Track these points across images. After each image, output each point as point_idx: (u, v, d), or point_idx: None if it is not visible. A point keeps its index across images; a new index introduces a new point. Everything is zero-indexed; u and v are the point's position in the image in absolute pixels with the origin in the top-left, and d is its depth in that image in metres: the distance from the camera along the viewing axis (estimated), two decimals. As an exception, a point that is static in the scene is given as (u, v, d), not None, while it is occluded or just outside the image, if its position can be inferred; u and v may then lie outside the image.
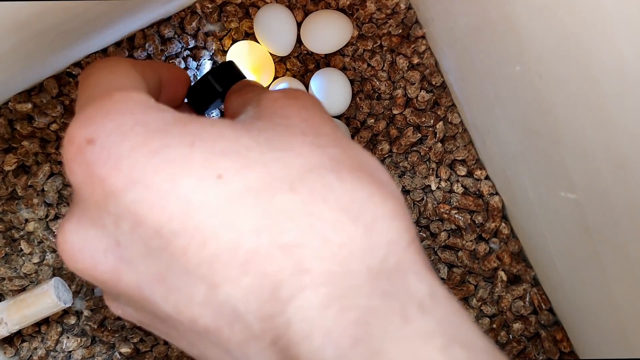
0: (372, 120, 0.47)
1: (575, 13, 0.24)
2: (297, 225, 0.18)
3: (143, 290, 0.19)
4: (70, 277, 0.47)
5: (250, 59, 0.45)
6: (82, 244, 0.20)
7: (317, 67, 0.47)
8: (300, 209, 0.18)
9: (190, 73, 0.46)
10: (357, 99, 0.47)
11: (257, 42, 0.46)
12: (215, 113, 0.46)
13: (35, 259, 0.47)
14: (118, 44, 0.46)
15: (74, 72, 0.46)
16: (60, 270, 0.47)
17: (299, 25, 0.46)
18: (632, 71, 0.22)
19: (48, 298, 0.43)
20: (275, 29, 0.45)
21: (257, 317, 0.17)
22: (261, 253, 0.17)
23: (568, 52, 0.26)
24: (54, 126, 0.46)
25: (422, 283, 0.18)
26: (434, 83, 0.46)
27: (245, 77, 0.31)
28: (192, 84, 0.29)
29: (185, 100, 0.29)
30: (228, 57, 0.46)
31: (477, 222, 0.45)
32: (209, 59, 0.47)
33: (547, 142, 0.32)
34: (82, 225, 0.20)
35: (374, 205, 0.19)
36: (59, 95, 0.46)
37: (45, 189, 0.47)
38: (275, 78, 0.47)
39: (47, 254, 0.47)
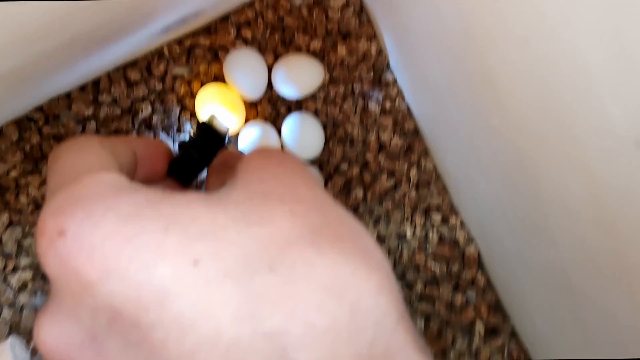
0: (346, 166, 0.46)
1: (558, 71, 0.23)
2: (278, 309, 0.17)
3: None
4: (29, 335, 0.44)
5: (220, 103, 0.44)
6: (58, 339, 0.19)
7: (289, 111, 0.46)
8: (281, 291, 0.17)
9: (157, 117, 0.45)
10: (330, 143, 0.46)
11: (227, 85, 0.45)
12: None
13: (-9, 314, 0.45)
14: (82, 88, 0.44)
15: (35, 117, 0.44)
16: (18, 327, 0.45)
17: (269, 69, 0.45)
18: (620, 130, 0.21)
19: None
20: (246, 73, 0.44)
21: None
22: (243, 343, 0.16)
23: (550, 109, 0.25)
24: (13, 173, 0.44)
25: None
26: (406, 128, 0.45)
27: (225, 136, 0.30)
28: (174, 157, 0.28)
29: (169, 173, 0.28)
30: (198, 101, 0.45)
31: (453, 271, 0.45)
32: (177, 103, 0.45)
33: (527, 196, 0.31)
34: (57, 319, 0.19)
35: (359, 280, 0.18)
36: (19, 141, 0.44)
37: (4, 240, 0.45)
38: (245, 122, 0.46)
39: (4, 309, 0.45)
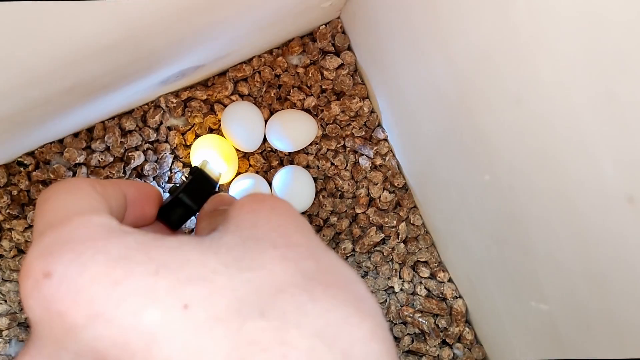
0: (335, 219, 0.46)
1: (551, 129, 0.25)
2: (270, 356, 0.16)
3: None
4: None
5: (215, 151, 0.45)
6: None
7: (281, 164, 0.47)
8: (272, 337, 0.17)
9: (149, 166, 0.45)
10: (320, 196, 0.47)
11: (222, 136, 0.46)
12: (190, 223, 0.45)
13: (-39, 362, 0.43)
14: (76, 135, 0.45)
15: (25, 162, 0.44)
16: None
17: (264, 122, 0.46)
18: (612, 186, 0.22)
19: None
20: (244, 125, 0.45)
21: None
22: None
23: (542, 166, 0.26)
24: (-3, 217, 0.44)
25: None
26: (396, 184, 0.46)
27: (217, 183, 0.30)
28: (164, 202, 0.28)
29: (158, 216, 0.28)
30: (193, 150, 0.45)
31: (440, 326, 0.45)
32: (170, 153, 0.46)
33: (517, 252, 0.32)
34: None
35: (351, 327, 0.18)
36: (6, 185, 0.44)
37: (-19, 285, 0.43)
38: (238, 174, 0.47)
39: (-24, 356, 0.43)
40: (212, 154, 0.44)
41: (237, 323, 0.17)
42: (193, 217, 0.30)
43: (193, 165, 0.33)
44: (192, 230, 0.45)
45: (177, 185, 0.30)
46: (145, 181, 0.46)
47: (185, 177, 0.30)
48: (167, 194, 0.35)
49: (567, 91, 0.23)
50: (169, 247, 0.19)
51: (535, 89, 0.24)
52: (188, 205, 0.28)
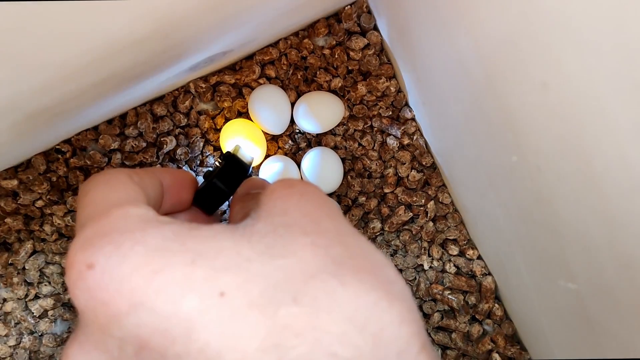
0: (364, 199, 0.47)
1: (577, 114, 0.25)
2: (303, 341, 0.17)
3: None
4: (49, 363, 0.45)
5: (244, 136, 0.46)
6: None
7: (309, 146, 0.48)
8: (304, 322, 0.18)
9: (181, 151, 0.46)
10: (349, 177, 0.47)
11: (250, 120, 0.47)
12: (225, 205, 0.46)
13: (12, 342, 0.45)
14: (110, 122, 0.46)
15: (63, 149, 0.45)
16: (37, 354, 0.45)
17: (291, 105, 0.47)
18: (637, 170, 0.23)
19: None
20: (270, 108, 0.45)
21: None
22: None
23: (569, 149, 0.26)
24: (39, 203, 0.45)
25: None
26: (424, 163, 0.46)
27: (249, 168, 0.31)
28: (199, 187, 0.29)
29: (194, 201, 0.29)
30: (222, 134, 0.46)
31: (470, 303, 0.45)
32: (200, 137, 0.47)
33: (545, 231, 0.32)
34: (85, 350, 0.19)
35: (381, 311, 0.19)
36: (46, 172, 0.45)
37: (27, 267, 0.45)
38: (267, 156, 0.47)
39: (24, 336, 0.45)
40: (242, 138, 0.45)
41: (271, 309, 0.18)
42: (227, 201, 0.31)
43: (226, 151, 0.33)
44: (225, 212, 0.46)
45: (211, 170, 0.31)
46: (178, 165, 0.47)
47: (219, 162, 0.31)
48: (201, 178, 0.36)
49: (592, 78, 0.23)
50: (204, 237, 0.19)
51: (560, 75, 0.24)
52: (222, 189, 0.29)
